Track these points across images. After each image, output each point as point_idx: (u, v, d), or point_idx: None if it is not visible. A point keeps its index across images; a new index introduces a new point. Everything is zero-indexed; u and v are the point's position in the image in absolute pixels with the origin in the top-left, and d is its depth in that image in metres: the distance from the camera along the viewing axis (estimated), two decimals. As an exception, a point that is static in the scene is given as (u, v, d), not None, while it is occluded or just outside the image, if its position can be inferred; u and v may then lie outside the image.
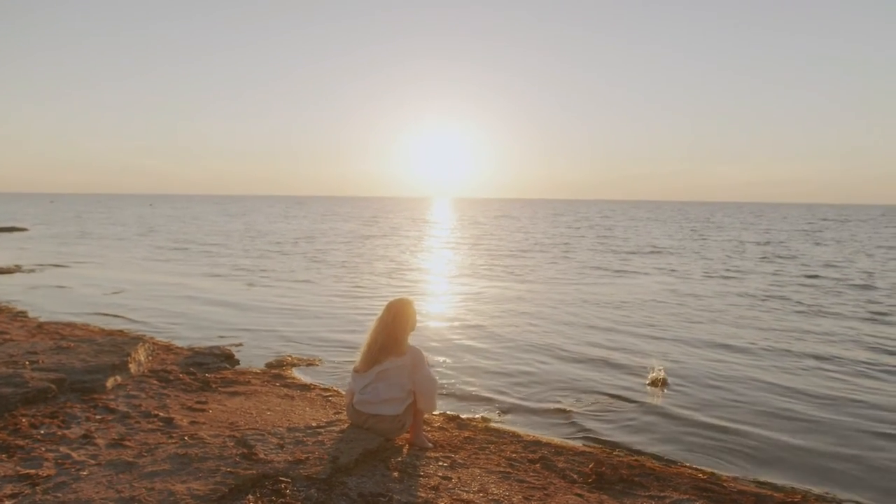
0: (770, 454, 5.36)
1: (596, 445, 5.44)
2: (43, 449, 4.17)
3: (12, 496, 3.47)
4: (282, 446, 4.41)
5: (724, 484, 4.57)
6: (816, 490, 4.71)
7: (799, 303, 13.24)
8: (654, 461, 5.09)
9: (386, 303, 4.95)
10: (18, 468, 3.83)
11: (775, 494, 4.47)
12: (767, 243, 31.84)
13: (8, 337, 7.59)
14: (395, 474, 4.18)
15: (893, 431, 5.87)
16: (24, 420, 4.65)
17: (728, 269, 19.71)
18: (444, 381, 7.16)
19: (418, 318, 5.04)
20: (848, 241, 33.69)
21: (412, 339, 4.93)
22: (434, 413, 5.82)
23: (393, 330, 4.73)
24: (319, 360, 8.07)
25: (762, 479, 4.88)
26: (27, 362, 5.95)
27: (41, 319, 9.87)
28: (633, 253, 25.60)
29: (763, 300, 13.59)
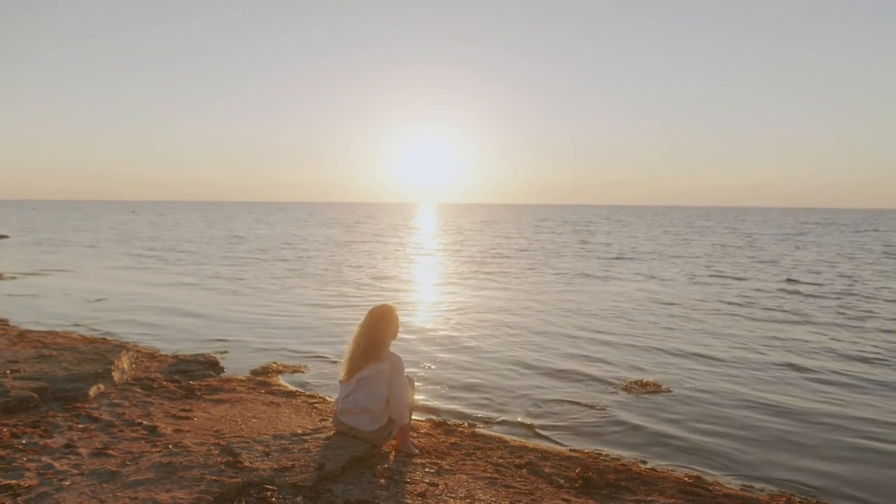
0: (753, 461, 5.39)
1: (582, 451, 5.46)
2: (24, 459, 4.12)
3: (-7, 507, 3.43)
4: (267, 454, 4.39)
5: (710, 487, 4.61)
6: (801, 495, 4.75)
7: (778, 308, 13.37)
8: (640, 465, 5.12)
9: (368, 309, 4.94)
10: (0, 478, 3.78)
11: (760, 497, 4.51)
12: (750, 247, 32.15)
13: (-12, 346, 7.49)
14: (382, 481, 4.17)
15: (872, 441, 5.92)
16: (4, 430, 4.59)
17: (711, 275, 19.86)
18: (427, 390, 7.16)
19: (400, 326, 5.01)
20: (829, 246, 34.07)
21: (394, 348, 4.92)
22: (420, 419, 5.82)
23: (373, 335, 4.71)
24: (305, 367, 8.04)
25: (747, 483, 4.92)
26: (8, 371, 5.87)
27: (22, 328, 9.74)
28: (617, 258, 25.74)
29: (743, 306, 13.71)
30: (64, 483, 3.77)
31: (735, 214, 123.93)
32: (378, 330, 4.72)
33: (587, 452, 5.40)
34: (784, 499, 4.53)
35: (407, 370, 4.95)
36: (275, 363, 8.07)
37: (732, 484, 4.87)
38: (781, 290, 16.43)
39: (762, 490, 4.78)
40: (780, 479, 5.01)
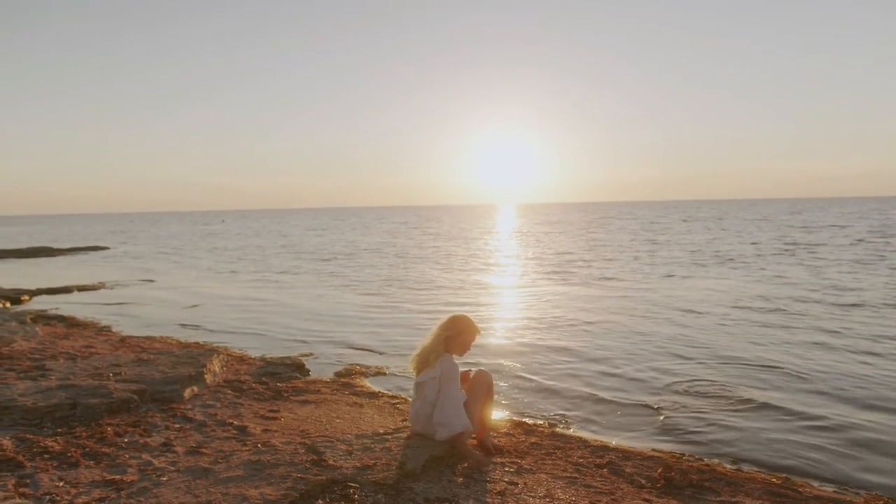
0: (847, 466, 5.12)
1: (664, 450, 5.36)
2: (127, 456, 4.40)
3: (100, 500, 3.68)
4: (350, 453, 4.52)
5: (800, 489, 4.44)
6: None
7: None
8: (724, 466, 4.98)
9: (450, 313, 4.99)
10: (105, 474, 4.05)
11: (855, 501, 4.31)
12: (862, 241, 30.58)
13: (94, 350, 7.99)
14: (461, 480, 4.22)
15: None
16: (109, 429, 4.91)
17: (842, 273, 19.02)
18: (505, 392, 7.17)
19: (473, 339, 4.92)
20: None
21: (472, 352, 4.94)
22: (499, 419, 5.84)
23: (431, 340, 4.79)
24: (388, 368, 8.19)
25: (838, 484, 4.71)
26: (111, 374, 6.27)
27: (124, 333, 10.34)
28: (722, 263, 24.99)
29: (852, 307, 13.08)
30: (162, 479, 4.00)
31: (834, 205, 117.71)
32: (438, 336, 4.78)
33: (669, 453, 5.30)
34: (882, 502, 4.33)
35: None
36: (358, 365, 8.26)
37: (825, 486, 4.67)
38: None
39: (857, 493, 4.56)
40: (878, 485, 4.76)
